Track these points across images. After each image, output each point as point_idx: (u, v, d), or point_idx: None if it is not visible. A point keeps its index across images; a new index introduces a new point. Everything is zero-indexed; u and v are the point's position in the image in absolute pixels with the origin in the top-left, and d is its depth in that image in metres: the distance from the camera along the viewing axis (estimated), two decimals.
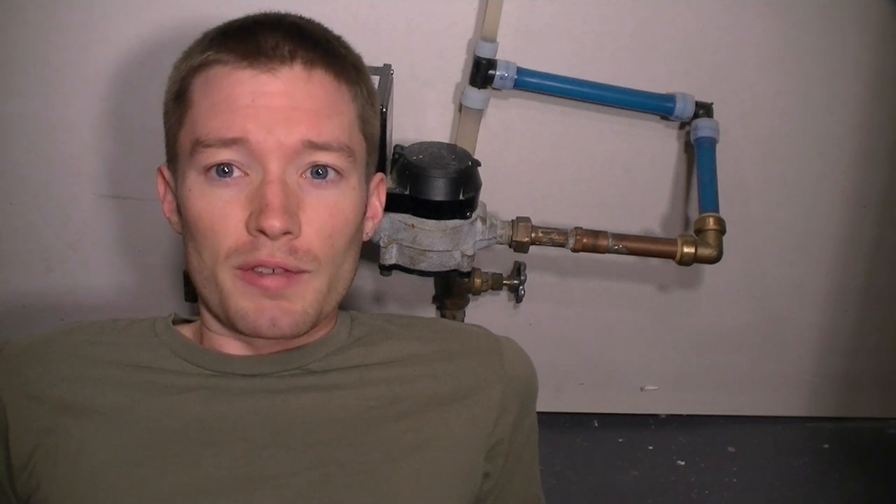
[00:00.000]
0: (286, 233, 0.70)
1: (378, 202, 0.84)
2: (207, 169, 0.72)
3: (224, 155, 0.71)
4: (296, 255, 0.71)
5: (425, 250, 1.13)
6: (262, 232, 0.70)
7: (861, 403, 1.62)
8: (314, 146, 0.71)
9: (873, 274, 1.50)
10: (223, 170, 0.71)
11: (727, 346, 1.54)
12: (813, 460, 1.53)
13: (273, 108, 0.71)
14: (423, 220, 1.11)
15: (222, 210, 0.71)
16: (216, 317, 0.77)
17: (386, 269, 1.15)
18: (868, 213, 1.44)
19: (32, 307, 1.36)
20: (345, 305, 0.83)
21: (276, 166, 0.71)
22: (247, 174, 0.71)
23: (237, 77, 0.71)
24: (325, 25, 0.79)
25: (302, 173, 0.72)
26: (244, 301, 0.72)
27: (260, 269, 0.71)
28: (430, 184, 1.10)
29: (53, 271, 1.34)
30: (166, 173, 0.79)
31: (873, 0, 1.28)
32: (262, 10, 0.77)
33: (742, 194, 1.39)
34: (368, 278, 1.41)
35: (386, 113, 1.04)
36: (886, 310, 1.54)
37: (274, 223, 0.69)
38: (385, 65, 1.17)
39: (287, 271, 0.72)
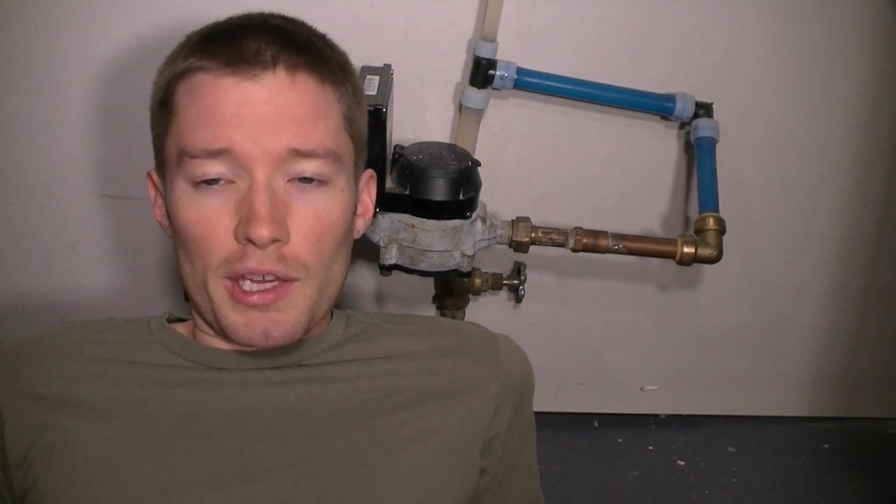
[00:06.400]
0: (275, 241, 0.70)
1: (369, 199, 0.85)
2: (195, 178, 0.72)
3: (211, 166, 0.71)
4: (285, 262, 0.72)
5: (425, 250, 1.13)
6: (251, 241, 0.70)
7: (861, 403, 1.62)
8: (299, 154, 0.72)
9: (873, 274, 1.50)
10: (210, 178, 0.72)
11: (727, 346, 1.54)
12: (813, 460, 1.53)
13: (258, 115, 0.71)
14: (423, 220, 1.11)
15: (211, 219, 0.72)
16: (208, 324, 0.78)
17: (386, 269, 1.15)
18: (868, 213, 1.44)
19: (32, 307, 1.36)
20: (344, 305, 0.83)
21: (263, 174, 0.71)
22: (234, 182, 0.72)
23: (221, 85, 0.71)
24: (312, 25, 0.78)
25: (289, 178, 0.73)
26: (234, 314, 0.73)
27: (249, 277, 0.72)
28: (430, 184, 1.10)
29: (53, 271, 1.34)
30: (155, 178, 0.80)
31: (873, 0, 1.28)
32: (247, 11, 0.77)
33: (742, 194, 1.39)
34: (368, 278, 1.41)
35: (386, 113, 1.04)
36: (886, 310, 1.54)
37: (262, 232, 0.69)
38: (385, 65, 1.17)
39: (277, 279, 0.72)
